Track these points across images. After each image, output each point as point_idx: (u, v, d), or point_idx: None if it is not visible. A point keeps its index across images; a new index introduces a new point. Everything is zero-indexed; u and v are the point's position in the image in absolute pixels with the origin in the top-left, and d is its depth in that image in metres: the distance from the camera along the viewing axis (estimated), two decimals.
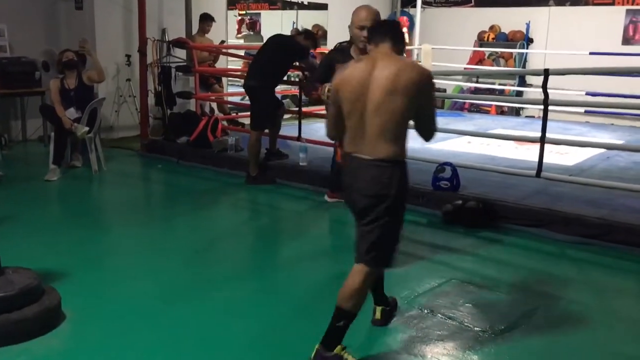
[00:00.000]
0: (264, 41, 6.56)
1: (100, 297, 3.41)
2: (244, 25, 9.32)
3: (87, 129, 6.17)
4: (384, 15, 11.71)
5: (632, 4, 10.16)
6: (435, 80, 2.66)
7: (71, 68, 6.31)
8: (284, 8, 10.49)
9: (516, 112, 11.12)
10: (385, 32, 2.67)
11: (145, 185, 6.93)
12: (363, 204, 2.58)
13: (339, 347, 2.63)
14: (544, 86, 4.79)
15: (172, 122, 7.57)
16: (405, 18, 11.58)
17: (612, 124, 9.95)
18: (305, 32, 6.14)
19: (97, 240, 4.51)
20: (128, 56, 8.09)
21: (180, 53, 8.10)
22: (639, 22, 10.13)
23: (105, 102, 6.96)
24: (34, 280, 3.04)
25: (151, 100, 7.81)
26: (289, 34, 6.55)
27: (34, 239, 4.35)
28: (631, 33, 10.20)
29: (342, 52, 4.41)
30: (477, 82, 11.27)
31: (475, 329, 3.12)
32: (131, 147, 7.73)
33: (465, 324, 3.18)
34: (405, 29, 10.09)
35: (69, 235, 4.53)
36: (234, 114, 8.89)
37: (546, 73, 4.78)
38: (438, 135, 2.75)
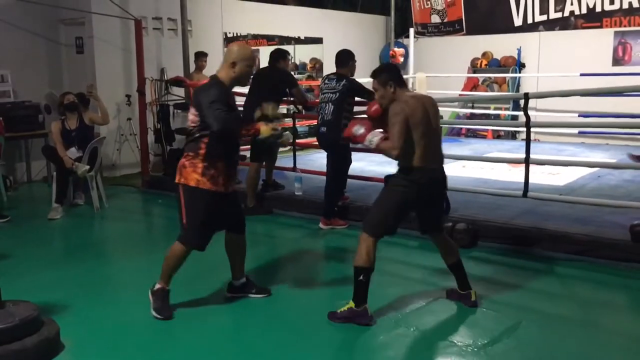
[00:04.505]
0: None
1: (99, 328, 3.53)
2: None
3: (87, 167, 6.36)
4: (379, 47, 12.10)
5: (620, 26, 10.39)
6: None
7: (72, 110, 6.53)
8: (281, 43, 10.79)
9: (512, 136, 11.28)
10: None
11: (145, 220, 7.09)
12: None
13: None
14: (525, 109, 4.97)
15: (171, 158, 7.75)
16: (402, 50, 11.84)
17: (607, 144, 10.05)
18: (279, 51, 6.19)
19: (97, 273, 4.64)
20: (128, 96, 8.34)
21: (179, 91, 8.34)
22: (627, 43, 10.33)
23: (106, 141, 7.17)
24: (34, 312, 3.17)
25: (151, 137, 8.03)
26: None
27: (36, 274, 4.49)
28: (620, 54, 10.39)
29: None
30: (472, 107, 11.45)
31: (459, 344, 3.22)
32: (133, 184, 7.92)
33: (450, 339, 3.28)
34: (401, 59, 10.36)
35: (70, 270, 4.67)
36: None
37: (526, 97, 4.97)
38: None
